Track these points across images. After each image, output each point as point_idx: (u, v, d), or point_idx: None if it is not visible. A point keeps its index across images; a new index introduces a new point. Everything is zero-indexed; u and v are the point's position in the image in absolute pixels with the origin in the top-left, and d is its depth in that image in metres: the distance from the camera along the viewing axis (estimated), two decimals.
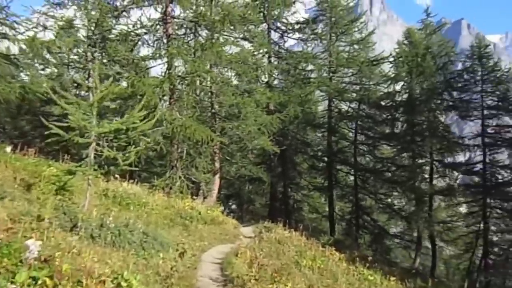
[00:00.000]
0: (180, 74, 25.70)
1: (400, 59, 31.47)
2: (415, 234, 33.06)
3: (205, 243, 16.54)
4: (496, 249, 30.07)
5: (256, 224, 29.40)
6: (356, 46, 34.89)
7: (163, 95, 25.66)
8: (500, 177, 30.28)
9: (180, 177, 25.38)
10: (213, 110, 28.11)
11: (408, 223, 33.01)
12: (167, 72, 24.87)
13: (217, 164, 28.82)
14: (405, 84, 31.22)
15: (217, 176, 28.95)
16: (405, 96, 31.58)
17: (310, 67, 35.68)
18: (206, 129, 24.49)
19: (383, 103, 33.32)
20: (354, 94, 34.17)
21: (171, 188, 24.91)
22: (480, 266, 31.12)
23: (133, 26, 26.12)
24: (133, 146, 13.96)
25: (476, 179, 30.96)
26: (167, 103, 26.41)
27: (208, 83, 26.63)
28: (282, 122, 29.83)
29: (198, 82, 26.17)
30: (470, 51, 30.20)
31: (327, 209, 46.44)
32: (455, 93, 30.86)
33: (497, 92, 29.51)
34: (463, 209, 33.75)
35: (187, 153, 26.72)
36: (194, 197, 26.22)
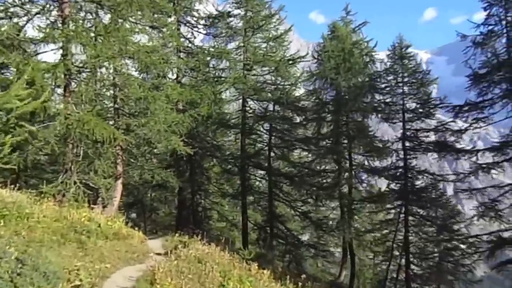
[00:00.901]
0: (78, 63, 21.85)
1: (326, 53, 29.49)
2: (334, 243, 31.36)
3: (107, 265, 12.97)
4: (415, 260, 28.85)
5: (164, 236, 26.04)
6: (272, 44, 32.55)
7: (57, 85, 21.63)
8: (419, 182, 29.24)
9: (75, 183, 21.44)
10: (116, 105, 24.38)
11: (328, 233, 31.10)
12: (62, 58, 20.89)
13: (119, 168, 25.08)
14: (331, 80, 29.33)
15: (120, 181, 25.22)
16: (331, 94, 29.80)
17: (223, 64, 32.84)
18: (108, 126, 20.82)
19: (303, 103, 31.32)
20: (270, 94, 31.69)
21: (64, 196, 20.96)
22: (398, 277, 29.89)
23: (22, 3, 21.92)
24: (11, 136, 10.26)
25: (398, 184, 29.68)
26: (62, 95, 22.34)
27: (111, 73, 22.82)
28: (193, 121, 26.69)
29: (99, 72, 22.43)
30: (391, 50, 28.92)
31: (237, 217, 44.51)
32: (378, 95, 29.45)
33: (419, 95, 28.43)
34: (381, 217, 32.47)
35: (84, 154, 22.73)
36: (92, 205, 22.41)
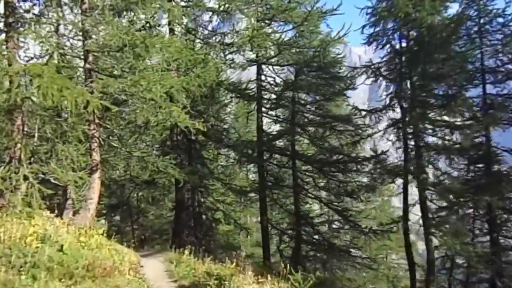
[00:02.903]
0: None
1: None
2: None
3: None
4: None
5: (163, 252, 18.47)
6: None
7: None
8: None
9: (26, 178, 13.69)
10: (87, 64, 16.54)
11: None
12: None
13: (96, 156, 17.31)
14: (405, 20, 21.07)
15: (97, 175, 17.45)
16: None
17: (226, 27, 25.17)
18: (72, 85, 13.01)
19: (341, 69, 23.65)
20: (296, 57, 23.89)
21: (8, 199, 13.29)
22: None
23: None
24: None
25: None
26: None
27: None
28: (199, 88, 19.03)
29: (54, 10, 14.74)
30: None
31: (243, 218, 36.81)
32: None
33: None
34: None
35: (40, 133, 14.98)
36: (54, 212, 14.73)
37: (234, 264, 12.13)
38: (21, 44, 14.44)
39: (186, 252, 14.89)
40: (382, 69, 21.67)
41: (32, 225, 10.77)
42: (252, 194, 27.57)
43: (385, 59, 21.95)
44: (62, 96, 12.07)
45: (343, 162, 23.13)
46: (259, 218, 38.49)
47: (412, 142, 21.36)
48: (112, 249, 14.61)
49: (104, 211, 32.97)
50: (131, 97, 16.26)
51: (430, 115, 20.87)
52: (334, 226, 26.71)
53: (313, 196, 25.13)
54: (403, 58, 21.17)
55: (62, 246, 10.62)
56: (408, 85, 21.05)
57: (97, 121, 17.41)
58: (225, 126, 27.58)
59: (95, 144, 17.35)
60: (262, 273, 12.21)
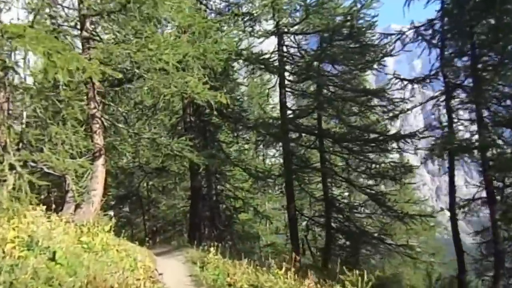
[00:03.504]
0: None
1: None
2: None
3: None
4: None
5: (182, 249, 15.93)
6: None
7: None
8: None
9: (12, 167, 11.12)
10: (84, 32, 13.85)
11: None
12: None
13: (98, 139, 14.74)
14: None
15: (100, 162, 14.89)
16: None
17: None
18: (71, 52, 10.33)
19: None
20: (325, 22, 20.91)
21: None
22: None
23: None
24: None
25: None
26: None
27: None
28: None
29: None
30: None
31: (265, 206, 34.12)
32: None
33: None
34: None
35: (29, 113, 12.39)
36: (51, 208, 12.19)
37: (284, 269, 9.49)
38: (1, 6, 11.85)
39: (212, 249, 12.25)
40: (425, 31, 18.52)
41: (13, 228, 8.13)
42: (271, 180, 25.07)
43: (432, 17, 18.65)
44: (51, 62, 9.45)
45: (382, 140, 20.24)
46: (277, 205, 36.10)
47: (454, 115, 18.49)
48: (122, 250, 12.10)
49: (112, 203, 30.85)
50: (137, 68, 13.56)
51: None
52: (367, 211, 23.88)
53: (343, 180, 22.30)
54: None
55: (54, 253, 8.05)
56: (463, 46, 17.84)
57: (98, 98, 14.81)
58: (243, 106, 24.82)
59: (97, 126, 14.77)
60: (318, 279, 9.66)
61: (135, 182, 30.08)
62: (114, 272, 8.55)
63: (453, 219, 18.74)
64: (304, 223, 24.70)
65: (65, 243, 9.66)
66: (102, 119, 15.12)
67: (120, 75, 12.33)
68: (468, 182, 20.15)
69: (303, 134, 22.54)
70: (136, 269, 9.33)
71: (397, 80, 19.11)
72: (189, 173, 23.27)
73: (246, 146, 31.84)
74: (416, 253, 24.39)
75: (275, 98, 27.51)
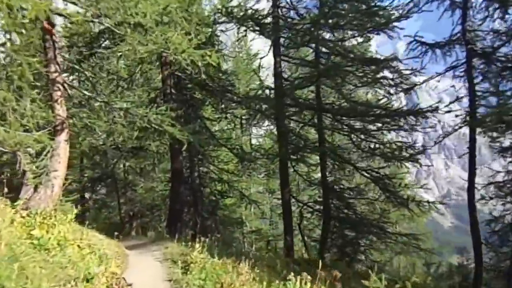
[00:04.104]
0: None
1: None
2: None
3: None
4: None
5: (161, 242, 13.40)
6: None
7: None
8: None
9: None
10: None
11: None
12: None
13: (60, 109, 12.09)
14: None
15: (63, 137, 12.25)
16: None
17: None
18: None
19: None
20: None
21: None
22: None
23: None
24: None
25: None
26: None
27: None
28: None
29: None
30: None
31: (252, 189, 31.70)
32: None
33: None
34: None
35: None
36: (2, 193, 9.68)
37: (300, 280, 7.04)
38: None
39: (197, 246, 9.76)
40: None
41: None
42: (262, 161, 22.78)
43: None
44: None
45: (395, 116, 17.60)
46: (260, 188, 33.71)
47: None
48: (85, 246, 9.59)
49: (88, 185, 28.24)
50: (107, 21, 10.88)
51: None
52: (367, 197, 21.50)
53: (344, 161, 19.79)
54: None
55: None
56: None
57: (60, 60, 12.13)
58: (230, 78, 22.11)
59: (58, 94, 12.10)
60: None
61: (110, 163, 27.42)
62: (61, 285, 6.08)
63: (471, 205, 16.57)
64: (297, 210, 22.25)
65: (6, 238, 7.21)
66: (65, 85, 12.44)
67: (80, 17, 9.64)
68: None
69: (299, 110, 19.88)
70: (97, 276, 6.80)
71: (416, 45, 16.54)
72: (169, 153, 20.66)
73: (229, 127, 29.52)
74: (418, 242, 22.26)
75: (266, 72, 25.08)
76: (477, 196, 17.24)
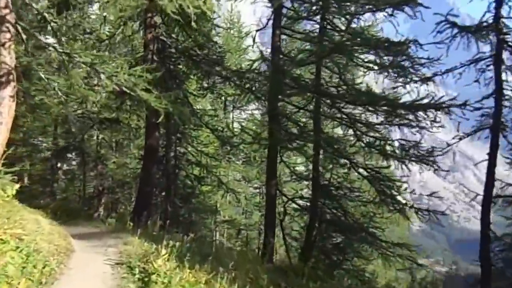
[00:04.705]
0: None
1: None
2: None
3: None
4: None
5: (121, 232, 10.95)
6: None
7: None
8: None
9: None
10: None
11: None
12: None
13: (7, 56, 9.50)
14: None
15: (8, 92, 9.66)
16: None
17: None
18: None
19: None
20: None
21: None
22: None
23: None
24: None
25: None
26: None
27: None
28: None
29: None
30: None
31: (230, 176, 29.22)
32: None
33: None
34: None
35: None
36: None
37: None
38: None
39: (163, 250, 7.32)
40: None
41: None
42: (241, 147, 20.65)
43: None
44: None
45: (410, 108, 15.14)
46: (238, 176, 31.35)
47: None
48: (12, 235, 7.03)
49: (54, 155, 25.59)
50: None
51: None
52: (363, 199, 19.22)
53: (340, 155, 17.40)
54: None
55: None
56: None
57: None
58: (219, 50, 19.57)
59: (7, 36, 9.49)
60: None
61: (77, 133, 24.74)
62: None
63: (485, 222, 14.41)
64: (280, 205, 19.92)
65: None
66: (17, 26, 9.83)
67: None
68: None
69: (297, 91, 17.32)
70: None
71: (446, 26, 14.12)
72: (145, 127, 18.12)
73: (213, 107, 27.26)
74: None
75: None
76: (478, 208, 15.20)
